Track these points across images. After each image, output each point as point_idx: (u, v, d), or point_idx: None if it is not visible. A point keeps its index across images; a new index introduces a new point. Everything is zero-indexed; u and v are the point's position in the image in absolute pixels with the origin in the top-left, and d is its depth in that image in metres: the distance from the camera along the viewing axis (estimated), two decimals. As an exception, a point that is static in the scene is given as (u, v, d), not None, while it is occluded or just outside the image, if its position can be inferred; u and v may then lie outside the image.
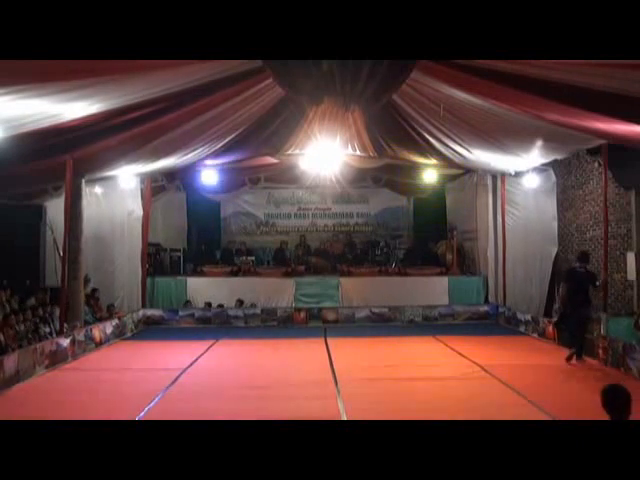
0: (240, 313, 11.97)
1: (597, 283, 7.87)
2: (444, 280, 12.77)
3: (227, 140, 9.44)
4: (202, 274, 12.99)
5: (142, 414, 5.37)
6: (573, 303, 7.75)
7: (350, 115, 7.99)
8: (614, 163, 8.22)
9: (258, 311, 12.01)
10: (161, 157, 9.86)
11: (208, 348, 9.18)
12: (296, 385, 6.65)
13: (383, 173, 13.93)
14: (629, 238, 8.64)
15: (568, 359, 7.69)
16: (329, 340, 9.78)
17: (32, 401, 6.10)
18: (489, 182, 12.49)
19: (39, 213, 11.38)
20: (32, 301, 9.16)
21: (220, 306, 12.20)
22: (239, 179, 14.41)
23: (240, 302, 12.29)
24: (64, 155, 8.16)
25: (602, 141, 7.87)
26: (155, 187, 12.87)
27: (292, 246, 14.60)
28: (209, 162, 11.34)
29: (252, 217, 15.46)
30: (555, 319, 8.71)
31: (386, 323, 11.81)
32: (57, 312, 8.82)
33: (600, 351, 7.57)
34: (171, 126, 7.71)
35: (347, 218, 15.55)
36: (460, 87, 6.45)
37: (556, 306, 8.32)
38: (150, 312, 11.89)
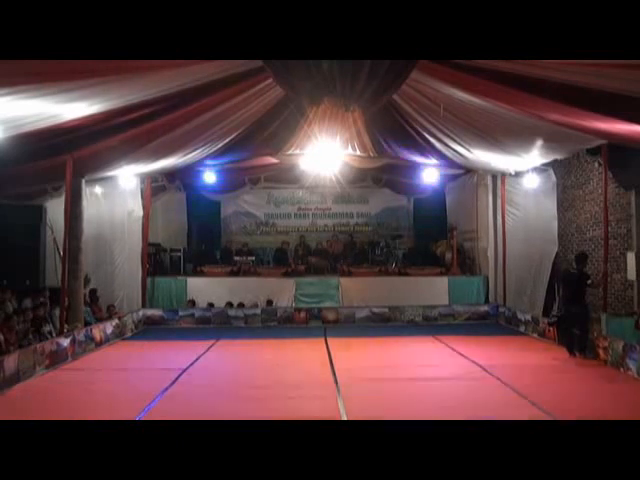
0: (240, 313, 11.97)
1: (589, 282, 8.00)
2: (444, 280, 12.75)
3: (227, 140, 9.44)
4: (202, 274, 12.99)
5: (142, 414, 5.36)
6: (567, 304, 8.04)
7: (350, 115, 7.99)
8: (614, 163, 8.22)
9: (258, 311, 12.02)
10: (161, 157, 9.87)
11: (208, 348, 9.17)
12: (296, 385, 6.64)
13: (383, 173, 13.93)
14: (629, 238, 8.64)
15: (574, 355, 7.93)
16: (329, 340, 9.77)
17: (32, 401, 6.09)
18: (489, 182, 12.48)
19: (39, 213, 11.36)
20: (28, 302, 9.15)
21: (229, 304, 12.18)
22: (239, 179, 14.42)
23: (241, 305, 12.30)
24: (64, 155, 8.15)
25: (602, 141, 7.88)
26: (155, 187, 12.86)
27: (292, 246, 14.60)
28: (209, 162, 11.34)
29: (252, 217, 15.47)
30: (551, 320, 8.74)
31: (386, 323, 11.80)
32: (57, 312, 8.82)
33: (600, 351, 7.57)
34: (171, 126, 7.71)
35: (347, 218, 15.56)
36: (460, 87, 6.45)
37: (555, 306, 8.38)
38: (150, 312, 11.87)
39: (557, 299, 8.35)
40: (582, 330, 7.88)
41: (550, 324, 8.95)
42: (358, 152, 10.79)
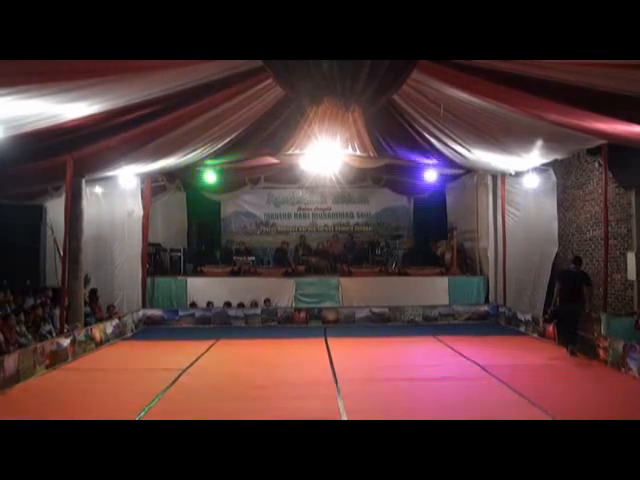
0: (240, 313, 11.97)
1: (590, 281, 8.11)
2: (444, 280, 12.75)
3: (227, 140, 9.44)
4: (202, 274, 12.99)
5: (142, 414, 5.36)
6: (565, 300, 8.11)
7: (350, 115, 7.99)
8: (614, 163, 8.23)
9: (258, 311, 12.01)
10: (161, 157, 9.86)
11: (208, 348, 9.17)
12: (296, 385, 6.64)
13: (383, 173, 13.92)
14: (629, 238, 8.64)
15: (575, 355, 7.94)
16: (329, 340, 9.77)
17: (32, 401, 6.09)
18: (489, 182, 12.48)
19: (39, 213, 11.37)
20: (30, 302, 9.15)
21: (227, 304, 12.18)
22: (239, 179, 14.41)
23: (241, 305, 12.29)
24: (64, 155, 8.15)
25: (602, 141, 7.88)
26: (155, 187, 12.86)
27: (292, 246, 14.60)
28: (209, 162, 11.34)
29: (252, 217, 15.47)
30: (547, 316, 8.77)
31: (386, 323, 11.80)
32: (57, 312, 8.82)
33: (600, 351, 7.57)
34: (171, 126, 7.71)
35: (347, 218, 15.56)
36: (460, 87, 6.45)
37: (552, 302, 8.47)
38: (150, 312, 11.88)
39: (554, 296, 8.40)
40: (576, 326, 7.97)
41: (546, 321, 9.00)
42: (358, 152, 10.79)
